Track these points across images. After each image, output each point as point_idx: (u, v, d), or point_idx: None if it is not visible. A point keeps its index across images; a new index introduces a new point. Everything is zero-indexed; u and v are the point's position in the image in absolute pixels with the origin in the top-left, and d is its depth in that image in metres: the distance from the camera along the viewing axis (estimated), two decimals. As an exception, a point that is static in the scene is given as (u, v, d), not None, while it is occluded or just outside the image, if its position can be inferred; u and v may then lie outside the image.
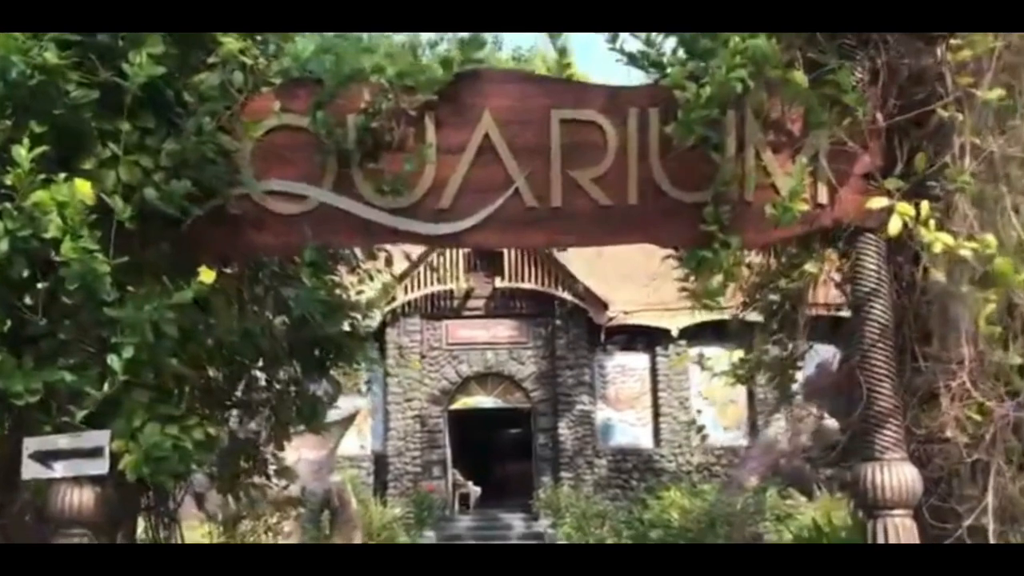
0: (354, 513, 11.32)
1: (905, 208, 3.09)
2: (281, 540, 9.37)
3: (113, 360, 2.97)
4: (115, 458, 3.05)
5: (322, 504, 10.78)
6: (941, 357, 3.38)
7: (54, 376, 3.01)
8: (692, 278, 3.54)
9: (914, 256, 3.38)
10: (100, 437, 3.03)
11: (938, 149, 3.31)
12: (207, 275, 2.99)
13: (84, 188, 2.90)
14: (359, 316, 4.36)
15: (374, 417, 19.81)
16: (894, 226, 3.11)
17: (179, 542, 4.15)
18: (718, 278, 3.42)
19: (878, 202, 3.17)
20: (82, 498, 3.10)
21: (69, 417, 3.05)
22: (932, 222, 3.07)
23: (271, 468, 4.56)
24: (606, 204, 3.43)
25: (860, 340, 3.34)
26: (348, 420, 11.56)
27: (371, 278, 4.58)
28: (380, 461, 19.26)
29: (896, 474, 3.21)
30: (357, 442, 19.56)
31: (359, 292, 4.48)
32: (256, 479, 4.53)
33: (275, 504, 8.97)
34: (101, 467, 3.04)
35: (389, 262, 4.42)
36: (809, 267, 3.78)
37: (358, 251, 4.44)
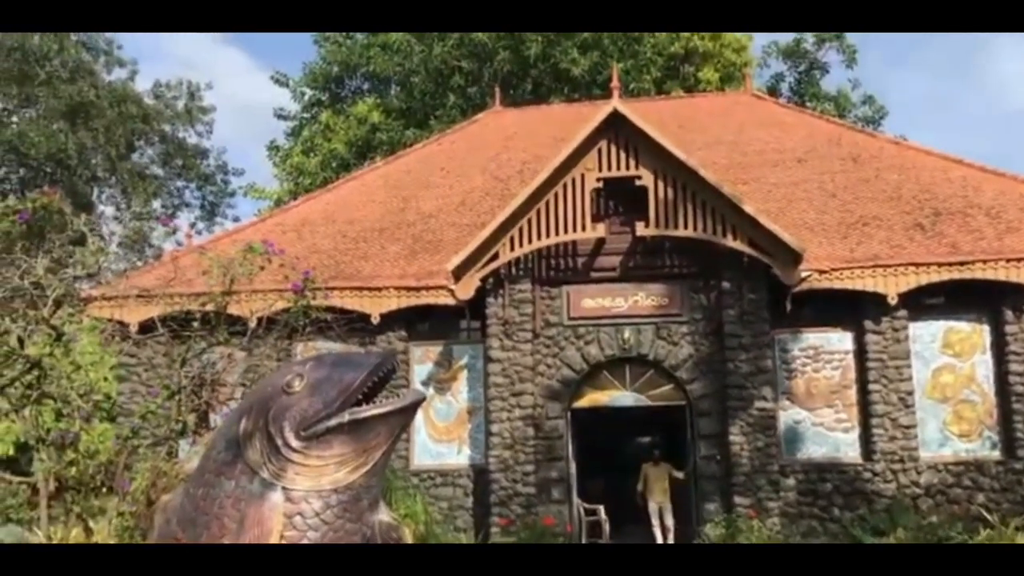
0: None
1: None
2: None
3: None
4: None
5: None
6: None
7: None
8: None
9: None
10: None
11: None
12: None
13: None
14: None
15: (473, 418, 14.80)
16: None
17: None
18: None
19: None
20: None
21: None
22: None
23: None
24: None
25: None
26: (402, 412, 6.12)
27: None
28: (481, 478, 14.22)
29: None
30: (454, 449, 14.72)
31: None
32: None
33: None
34: None
35: None
36: None
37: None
